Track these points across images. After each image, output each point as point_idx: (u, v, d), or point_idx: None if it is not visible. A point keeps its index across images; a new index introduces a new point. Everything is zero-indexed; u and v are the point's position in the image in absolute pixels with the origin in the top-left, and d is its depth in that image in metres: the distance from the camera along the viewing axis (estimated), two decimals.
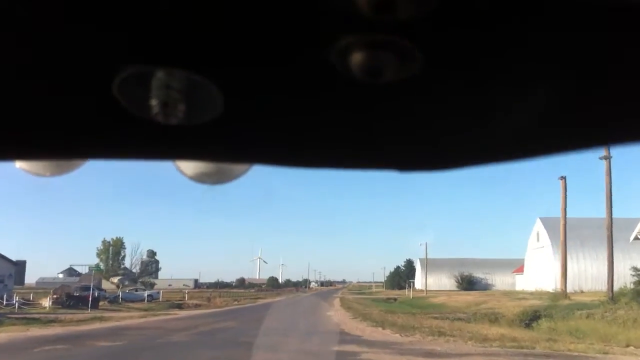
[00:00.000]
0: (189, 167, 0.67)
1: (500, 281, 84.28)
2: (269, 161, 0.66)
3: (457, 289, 77.22)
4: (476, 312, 29.68)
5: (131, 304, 46.23)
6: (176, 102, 0.49)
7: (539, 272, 54.80)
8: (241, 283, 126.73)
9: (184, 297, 55.65)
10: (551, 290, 49.23)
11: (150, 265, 61.77)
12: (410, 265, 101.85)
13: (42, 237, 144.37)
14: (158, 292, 54.69)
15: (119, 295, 49.13)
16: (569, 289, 50.31)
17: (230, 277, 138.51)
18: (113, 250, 60.14)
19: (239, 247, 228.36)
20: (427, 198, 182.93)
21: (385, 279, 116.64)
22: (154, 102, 0.49)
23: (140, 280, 60.55)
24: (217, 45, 0.44)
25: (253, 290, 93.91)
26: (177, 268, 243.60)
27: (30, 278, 66.40)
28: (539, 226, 56.56)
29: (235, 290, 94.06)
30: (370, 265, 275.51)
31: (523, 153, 0.63)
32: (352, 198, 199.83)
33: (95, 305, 39.66)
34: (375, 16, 0.39)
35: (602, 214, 31.95)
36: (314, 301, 51.30)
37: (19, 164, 0.66)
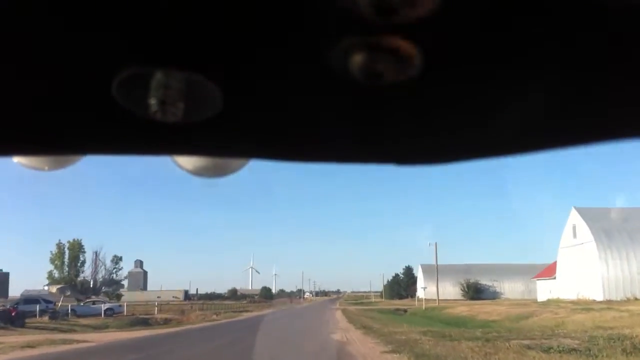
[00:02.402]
0: (187, 161, 0.65)
1: (509, 289, 71.64)
2: (268, 156, 0.63)
3: (462, 297, 64.55)
4: (594, 336, 16.33)
5: (81, 320, 33.23)
6: (175, 100, 0.47)
7: (579, 276, 41.55)
8: (233, 294, 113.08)
9: (154, 311, 42.32)
10: (600, 299, 36.11)
11: (116, 272, 47.74)
12: (409, 272, 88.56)
13: (30, 248, 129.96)
14: (120, 306, 41.23)
15: (66, 310, 35.51)
16: (619, 297, 37.41)
17: (223, 288, 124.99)
18: (70, 255, 46.24)
19: (232, 257, 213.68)
20: (426, 197, 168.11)
21: (384, 288, 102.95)
22: (152, 101, 0.47)
23: (104, 290, 47.00)
24: (217, 45, 0.43)
25: (245, 302, 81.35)
26: (168, 279, 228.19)
27: (17, 291, 53.82)
28: (575, 218, 43.25)
29: (226, 301, 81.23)
30: (365, 274, 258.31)
31: (522, 148, 0.61)
32: (346, 203, 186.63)
33: (18, 323, 26.97)
34: (377, 18, 0.38)
35: None
36: (312, 314, 37.84)
37: (17, 159, 0.64)
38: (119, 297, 48.63)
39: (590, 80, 0.48)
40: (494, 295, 67.05)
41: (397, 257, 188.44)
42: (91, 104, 0.50)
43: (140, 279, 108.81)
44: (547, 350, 13.50)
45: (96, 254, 47.28)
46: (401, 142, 0.60)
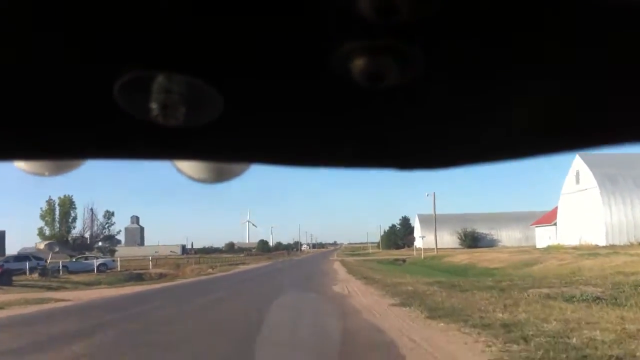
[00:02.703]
0: (188, 166, 0.64)
1: (506, 236, 71.16)
2: (270, 161, 0.63)
3: (460, 246, 63.90)
4: (617, 282, 14.99)
5: (73, 277, 32.07)
6: (176, 104, 0.47)
7: (581, 222, 40.41)
8: (230, 248, 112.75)
9: (149, 266, 41.26)
10: (603, 244, 35.00)
11: (109, 227, 46.11)
12: (406, 222, 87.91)
13: (27, 206, 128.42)
14: (114, 261, 40.06)
15: (57, 266, 34.23)
16: (622, 242, 36.25)
17: (221, 243, 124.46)
18: (61, 211, 44.43)
19: (229, 211, 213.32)
20: None
21: (381, 238, 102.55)
22: (153, 105, 0.47)
23: (97, 245, 45.64)
24: (217, 50, 0.43)
25: (242, 255, 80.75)
26: (165, 236, 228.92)
27: (14, 249, 52.52)
28: (578, 164, 41.78)
29: (223, 255, 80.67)
30: (362, 225, 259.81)
31: (525, 152, 0.61)
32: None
33: (5, 281, 25.75)
34: (378, 21, 0.37)
35: None
36: (309, 266, 36.77)
37: (18, 164, 0.64)
38: (112, 252, 47.33)
39: (591, 84, 0.48)
40: (491, 244, 66.51)
41: (394, 209, 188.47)
42: (92, 108, 0.50)
43: (137, 234, 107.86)
44: (570, 299, 12.08)
45: (92, 210, 45.79)
46: (402, 147, 0.60)
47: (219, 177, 0.66)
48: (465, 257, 38.98)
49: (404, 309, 10.80)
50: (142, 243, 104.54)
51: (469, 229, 69.47)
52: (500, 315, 9.22)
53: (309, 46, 0.42)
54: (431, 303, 11.31)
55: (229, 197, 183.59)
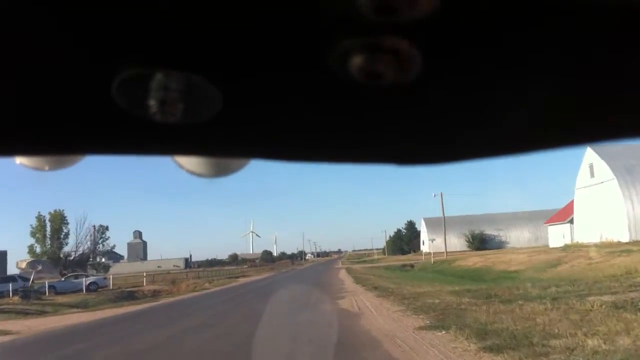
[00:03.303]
0: (187, 161, 0.64)
1: (515, 237, 67.84)
2: (268, 156, 0.62)
3: (468, 249, 60.63)
4: None
5: (59, 298, 28.85)
6: (174, 101, 0.47)
7: (600, 217, 37.17)
8: (234, 259, 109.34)
9: (143, 283, 38.16)
10: (626, 240, 31.80)
11: (102, 242, 42.77)
12: (411, 227, 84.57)
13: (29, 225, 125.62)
14: (105, 279, 36.87)
15: (43, 287, 31.14)
16: None
17: (225, 254, 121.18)
18: (52, 227, 41.25)
19: (232, 223, 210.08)
20: None
21: (386, 244, 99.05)
22: (152, 102, 0.47)
23: (90, 262, 42.45)
24: (215, 47, 0.43)
25: (245, 266, 77.68)
26: (169, 249, 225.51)
27: (16, 269, 49.09)
28: (591, 157, 38.56)
29: (227, 267, 77.58)
30: (367, 231, 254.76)
31: (522, 148, 0.61)
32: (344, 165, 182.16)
33: None
34: (377, 19, 0.37)
35: None
36: (313, 276, 33.55)
37: (19, 160, 0.64)
38: (106, 269, 44.14)
39: (591, 83, 0.48)
40: (499, 245, 63.27)
41: (399, 213, 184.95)
42: (91, 104, 0.50)
43: (139, 249, 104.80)
44: None
45: (94, 226, 42.44)
46: (401, 143, 0.60)
47: (219, 172, 0.65)
48: (477, 259, 35.82)
49: (439, 333, 7.68)
50: (145, 258, 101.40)
51: (476, 231, 66.23)
52: (590, 342, 6.11)
53: (308, 44, 0.42)
54: (474, 323, 8.18)
55: (232, 209, 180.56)
